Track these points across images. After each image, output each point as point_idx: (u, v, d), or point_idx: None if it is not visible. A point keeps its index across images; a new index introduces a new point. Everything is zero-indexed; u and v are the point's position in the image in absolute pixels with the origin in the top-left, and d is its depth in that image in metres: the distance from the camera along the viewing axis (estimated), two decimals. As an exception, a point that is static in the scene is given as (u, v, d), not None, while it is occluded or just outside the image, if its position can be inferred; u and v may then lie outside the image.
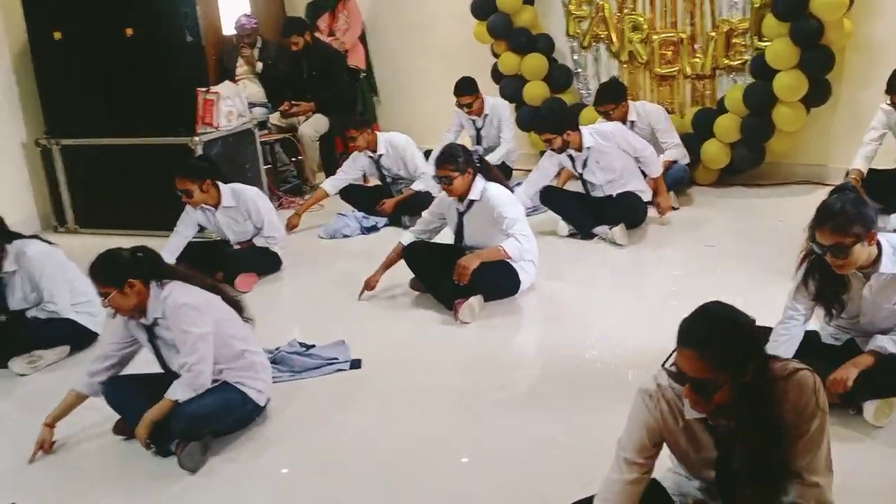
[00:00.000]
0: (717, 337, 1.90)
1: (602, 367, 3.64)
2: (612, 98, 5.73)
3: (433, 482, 2.86)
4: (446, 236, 4.69)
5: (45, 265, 4.07)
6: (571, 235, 5.36)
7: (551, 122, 5.28)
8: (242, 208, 4.99)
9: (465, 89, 6.47)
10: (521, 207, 4.42)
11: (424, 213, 4.75)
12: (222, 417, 3.14)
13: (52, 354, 4.11)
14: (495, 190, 4.35)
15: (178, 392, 3.07)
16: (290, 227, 5.91)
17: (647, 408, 2.10)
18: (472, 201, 4.38)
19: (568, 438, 3.00)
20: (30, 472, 3.16)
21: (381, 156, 6.09)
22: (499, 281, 4.33)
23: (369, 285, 4.57)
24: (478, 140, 6.73)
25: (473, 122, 6.68)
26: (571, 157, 5.31)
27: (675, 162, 5.81)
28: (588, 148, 5.21)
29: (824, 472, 2.01)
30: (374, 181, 6.49)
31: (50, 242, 4.21)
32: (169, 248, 4.88)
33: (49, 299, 4.09)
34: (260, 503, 2.88)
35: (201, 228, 5.12)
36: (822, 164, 6.07)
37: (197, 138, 5.90)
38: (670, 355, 1.96)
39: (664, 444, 2.16)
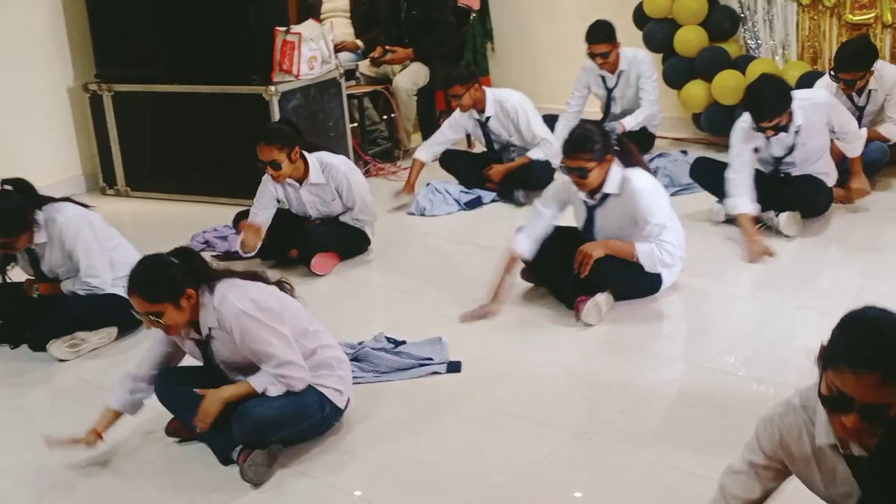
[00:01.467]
0: None
1: (759, 387, 3.59)
2: (860, 64, 5.41)
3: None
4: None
5: (80, 231, 4.24)
6: (728, 222, 5.28)
7: (777, 103, 4.89)
8: (332, 185, 5.04)
9: (600, 35, 6.41)
10: (668, 206, 4.31)
11: (538, 207, 4.55)
12: (295, 423, 3.23)
13: (96, 337, 4.32)
14: (639, 183, 4.22)
15: (266, 383, 3.16)
16: (399, 205, 6.02)
17: (768, 434, 2.18)
18: (606, 195, 4.31)
19: (713, 476, 2.96)
20: (69, 478, 3.33)
21: (488, 118, 6.14)
22: (633, 276, 4.30)
23: (485, 313, 4.37)
24: (607, 104, 6.69)
25: (604, 79, 6.63)
26: (768, 139, 5.08)
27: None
28: (797, 127, 5.00)
29: None
30: (480, 147, 6.54)
31: (84, 205, 4.41)
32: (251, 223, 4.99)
33: (87, 272, 4.26)
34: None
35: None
36: None
37: (273, 88, 6.07)
38: (821, 376, 1.94)
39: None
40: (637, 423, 3.43)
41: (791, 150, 5.11)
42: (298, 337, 3.26)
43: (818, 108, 5.07)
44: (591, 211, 4.40)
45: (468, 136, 6.63)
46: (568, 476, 3.11)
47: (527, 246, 4.43)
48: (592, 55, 6.46)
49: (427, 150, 6.27)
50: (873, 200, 5.48)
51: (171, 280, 3.09)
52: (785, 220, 5.02)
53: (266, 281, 3.35)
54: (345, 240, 5.18)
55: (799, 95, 5.07)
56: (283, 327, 3.18)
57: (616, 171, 4.27)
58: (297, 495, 3.11)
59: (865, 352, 1.87)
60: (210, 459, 3.28)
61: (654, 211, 4.21)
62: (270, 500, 3.10)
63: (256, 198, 5.07)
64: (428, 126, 7.40)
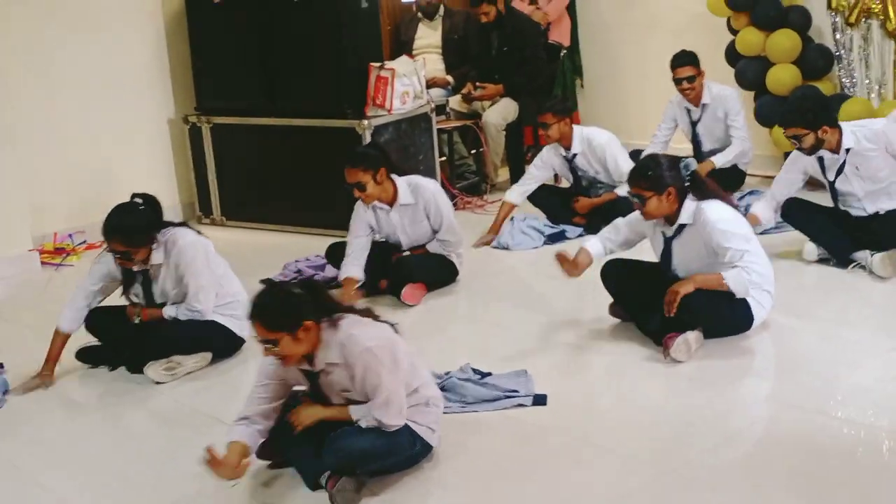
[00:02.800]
0: None
1: (854, 432, 3.50)
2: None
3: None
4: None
5: (195, 259, 4.34)
6: (821, 261, 5.19)
7: (803, 112, 5.09)
8: (421, 205, 5.11)
9: (684, 59, 6.44)
10: (747, 230, 4.28)
11: (618, 222, 4.63)
12: (384, 457, 3.24)
13: (192, 361, 4.41)
14: (713, 212, 4.20)
15: (362, 415, 3.17)
16: (482, 244, 6.06)
17: None
18: (682, 226, 4.29)
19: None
20: (166, 497, 3.41)
21: (575, 155, 6.15)
22: (724, 313, 4.24)
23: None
24: (694, 139, 6.64)
25: (689, 112, 6.59)
26: (821, 161, 5.15)
27: None
28: (847, 150, 5.04)
29: None
30: (566, 183, 6.55)
31: (199, 232, 4.52)
32: (349, 266, 5.02)
33: (193, 298, 4.36)
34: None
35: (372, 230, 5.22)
36: None
37: (366, 122, 6.18)
38: None
39: None
40: (724, 462, 3.37)
41: (840, 172, 5.06)
42: (407, 377, 3.27)
43: (873, 133, 5.03)
44: (668, 243, 4.39)
45: (555, 174, 6.64)
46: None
47: (595, 246, 4.58)
48: (678, 80, 6.45)
49: (517, 192, 6.30)
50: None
51: (291, 310, 3.10)
52: (879, 260, 4.91)
53: (380, 320, 3.35)
54: (433, 270, 5.24)
55: (858, 122, 5.17)
56: (399, 371, 3.20)
57: (690, 202, 4.25)
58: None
59: None
60: (299, 484, 3.32)
61: (729, 237, 4.16)
62: (358, 526, 3.12)
63: (351, 225, 5.14)
64: (516, 161, 7.44)
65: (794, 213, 5.33)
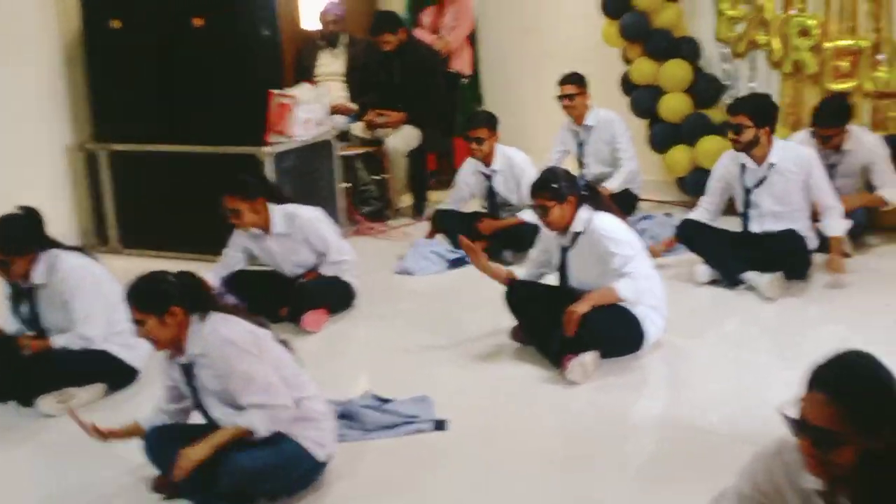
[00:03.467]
0: (852, 384, 1.94)
1: (744, 448, 3.56)
2: (838, 120, 5.60)
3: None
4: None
5: (81, 283, 4.22)
6: (712, 283, 5.31)
7: (755, 106, 5.21)
8: (298, 236, 5.10)
9: (570, 78, 6.59)
10: (635, 241, 4.39)
11: (532, 251, 4.82)
12: (279, 474, 3.19)
13: (85, 393, 4.26)
14: (604, 221, 4.34)
15: (257, 421, 3.14)
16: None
17: (760, 468, 2.20)
18: (576, 234, 4.39)
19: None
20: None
21: (494, 172, 6.20)
22: (618, 333, 4.32)
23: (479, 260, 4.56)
24: (580, 158, 6.74)
25: (576, 134, 6.70)
26: (743, 168, 5.29)
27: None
28: (771, 165, 5.18)
29: None
30: (474, 205, 6.58)
31: (93, 256, 4.41)
32: (214, 271, 5.09)
33: (82, 325, 4.22)
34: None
35: (252, 257, 5.27)
36: None
37: (267, 149, 6.12)
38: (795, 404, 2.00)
39: None
40: (622, 484, 3.40)
41: (760, 183, 5.21)
42: (286, 383, 3.25)
43: (799, 159, 5.20)
44: (564, 253, 4.48)
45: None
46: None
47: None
48: (560, 98, 6.57)
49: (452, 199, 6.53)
50: (856, 262, 5.51)
51: (161, 293, 3.17)
52: (767, 282, 5.04)
53: (266, 328, 3.37)
54: (332, 293, 5.19)
55: (788, 143, 5.36)
56: (266, 361, 3.21)
57: (585, 212, 4.37)
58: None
59: (823, 373, 1.97)
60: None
61: (616, 243, 4.26)
62: (254, 556, 3.06)
63: (228, 242, 5.24)
64: (419, 187, 7.46)
65: (689, 233, 5.45)
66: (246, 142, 6.20)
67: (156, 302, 3.17)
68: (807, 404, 1.96)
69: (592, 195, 4.48)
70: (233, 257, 5.23)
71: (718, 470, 3.21)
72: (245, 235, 5.16)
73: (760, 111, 5.17)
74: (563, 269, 4.53)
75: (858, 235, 5.76)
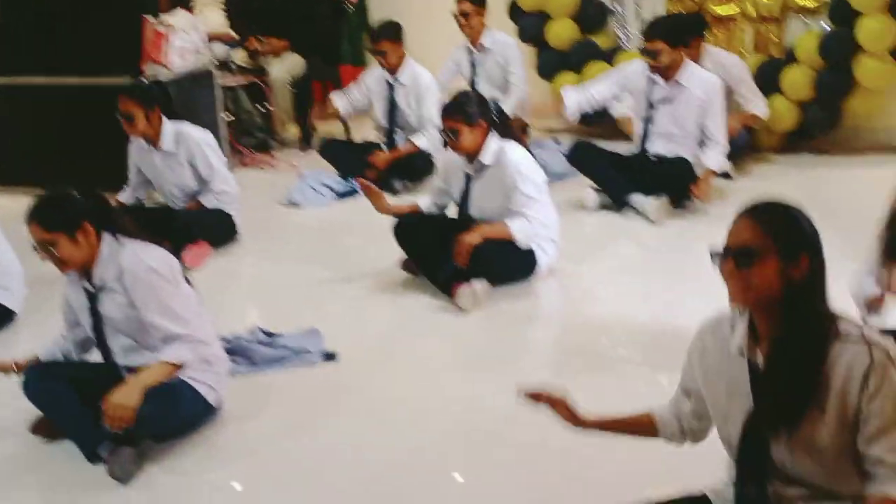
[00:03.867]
0: (773, 208, 2.07)
1: (632, 369, 3.63)
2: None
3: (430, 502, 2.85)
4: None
5: None
6: (602, 208, 5.36)
7: (666, 28, 5.16)
8: (184, 156, 4.96)
9: None
10: (542, 182, 4.35)
11: (435, 180, 4.73)
12: (167, 417, 3.10)
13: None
14: (515, 155, 4.28)
15: (184, 353, 3.04)
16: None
17: (695, 340, 2.28)
18: (483, 165, 4.34)
19: (589, 451, 2.97)
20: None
21: (399, 83, 6.07)
22: (510, 262, 4.31)
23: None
24: (472, 78, 6.64)
25: (470, 53, 6.60)
26: (651, 83, 5.27)
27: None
28: (679, 83, 5.18)
29: None
30: (364, 134, 6.44)
31: None
32: (124, 195, 5.04)
33: None
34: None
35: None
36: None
37: (143, 80, 5.87)
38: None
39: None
40: (514, 403, 3.41)
41: (664, 101, 5.22)
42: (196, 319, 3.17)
43: (706, 84, 5.18)
44: (468, 182, 4.41)
45: (345, 124, 6.54)
46: (448, 461, 3.07)
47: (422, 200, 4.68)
48: (456, 16, 6.45)
49: (342, 101, 6.34)
50: (738, 185, 5.62)
51: (70, 209, 3.03)
52: (653, 206, 5.11)
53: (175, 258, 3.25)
54: (214, 226, 5.04)
55: (700, 68, 5.30)
56: (182, 293, 3.13)
57: (494, 142, 4.31)
58: (168, 492, 2.99)
59: (749, 206, 2.09)
60: (77, 457, 3.11)
61: (525, 181, 4.23)
62: (140, 497, 2.97)
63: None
64: (305, 117, 7.29)
65: (580, 156, 5.46)
66: (121, 72, 5.94)
67: (65, 219, 3.01)
68: (731, 232, 2.07)
69: (503, 122, 4.41)
70: (133, 179, 5.15)
71: (610, 389, 3.26)
72: (135, 149, 5.05)
73: (674, 32, 5.15)
74: (464, 198, 4.47)
75: (740, 158, 5.87)
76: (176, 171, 5.01)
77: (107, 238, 3.08)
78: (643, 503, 2.29)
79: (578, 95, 5.55)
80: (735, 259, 2.03)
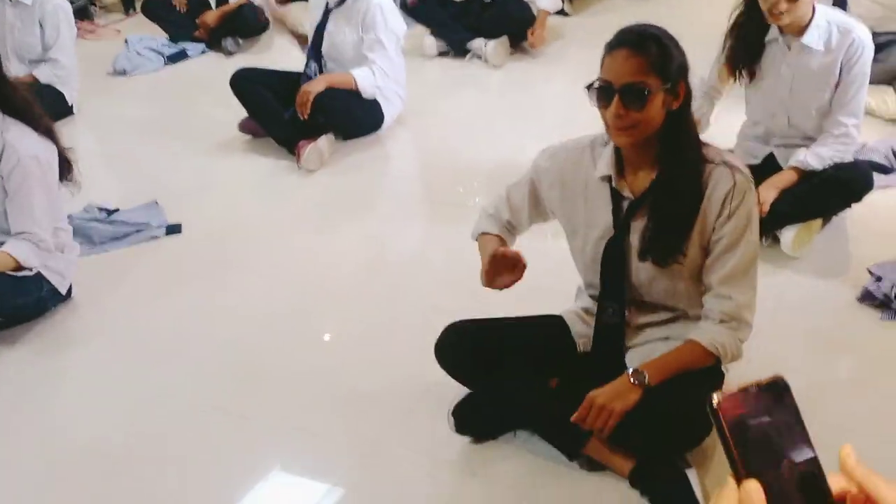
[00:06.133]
0: (653, 38, 2.04)
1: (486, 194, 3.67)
2: None
3: (284, 367, 2.86)
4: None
5: None
6: (441, 55, 5.31)
7: None
8: (36, 13, 4.64)
9: None
10: (401, 33, 4.26)
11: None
12: (9, 296, 2.99)
13: None
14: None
15: (31, 255, 2.95)
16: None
17: (549, 157, 2.31)
18: (343, 0, 4.18)
19: (454, 305, 3.01)
20: None
21: None
22: (355, 114, 4.24)
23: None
24: None
25: None
26: None
27: None
28: None
29: (743, 288, 2.13)
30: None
31: None
32: None
33: None
34: (71, 401, 2.80)
35: None
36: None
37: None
38: (595, 81, 2.08)
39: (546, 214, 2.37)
40: (369, 261, 3.43)
41: None
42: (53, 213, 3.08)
43: None
44: (326, 15, 4.25)
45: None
46: (313, 322, 3.08)
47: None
48: None
49: None
50: (573, 21, 5.64)
51: None
52: (492, 48, 5.10)
53: (53, 137, 3.07)
54: (41, 103, 4.65)
55: None
56: (51, 197, 3.03)
57: None
58: (19, 376, 2.90)
59: (622, 35, 2.07)
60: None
61: (383, 25, 4.13)
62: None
63: None
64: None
65: (419, 6, 5.36)
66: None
67: None
68: (610, 66, 2.04)
69: None
70: None
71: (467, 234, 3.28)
72: None
73: None
74: (319, 31, 4.28)
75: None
76: (25, 28, 4.66)
77: None
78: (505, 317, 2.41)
79: None
80: (622, 97, 2.01)
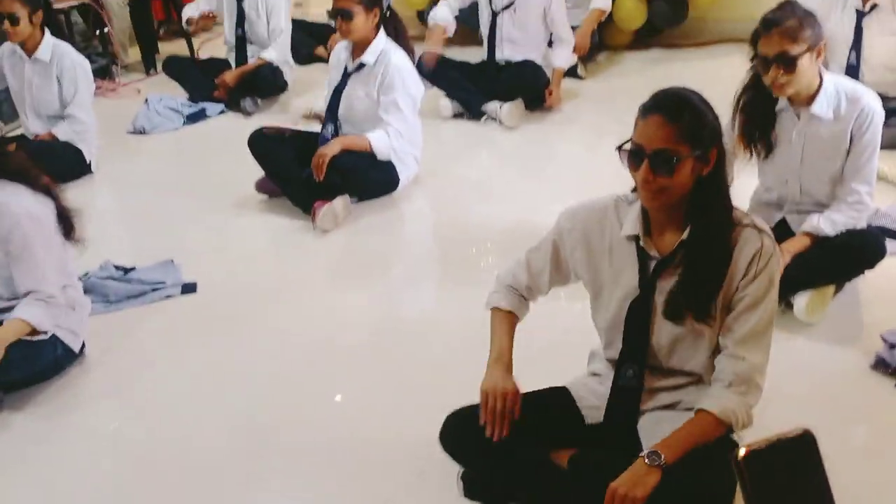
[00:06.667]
0: (687, 105, 2.07)
1: (496, 257, 3.71)
2: None
3: (297, 426, 2.86)
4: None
5: None
6: (456, 116, 5.38)
7: None
8: (55, 69, 4.73)
9: None
10: (418, 87, 4.32)
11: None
12: (26, 363, 3.00)
13: None
14: (400, 58, 4.22)
15: (44, 317, 2.94)
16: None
17: (571, 217, 2.32)
18: (363, 64, 4.24)
19: (465, 367, 3.03)
20: None
21: None
22: (370, 175, 4.29)
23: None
24: None
25: None
26: None
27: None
28: None
29: (757, 350, 2.14)
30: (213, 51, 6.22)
31: None
32: None
33: None
34: (81, 463, 2.81)
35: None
36: (754, 19, 6.21)
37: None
38: (626, 142, 2.10)
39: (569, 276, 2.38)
40: (382, 320, 3.45)
41: (507, 7, 5.27)
42: (60, 269, 3.07)
43: None
44: (345, 79, 4.33)
45: (188, 38, 6.29)
46: (322, 384, 3.08)
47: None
48: None
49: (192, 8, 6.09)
50: (588, 84, 5.71)
51: None
52: (507, 111, 5.17)
53: (51, 195, 3.07)
54: (62, 159, 4.73)
55: None
56: (53, 252, 3.01)
57: (381, 40, 4.24)
58: (33, 436, 2.90)
59: (657, 100, 2.09)
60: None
61: (398, 89, 4.19)
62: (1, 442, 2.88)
63: None
64: (145, 37, 7.00)
65: (433, 69, 5.43)
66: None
67: None
68: (643, 130, 2.06)
69: (394, 19, 4.33)
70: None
71: (481, 298, 3.30)
72: (6, 54, 4.81)
73: None
74: (336, 96, 4.36)
75: (590, 58, 5.96)
76: (43, 85, 4.75)
77: None
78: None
79: (445, 10, 5.51)
80: (651, 163, 2.04)
